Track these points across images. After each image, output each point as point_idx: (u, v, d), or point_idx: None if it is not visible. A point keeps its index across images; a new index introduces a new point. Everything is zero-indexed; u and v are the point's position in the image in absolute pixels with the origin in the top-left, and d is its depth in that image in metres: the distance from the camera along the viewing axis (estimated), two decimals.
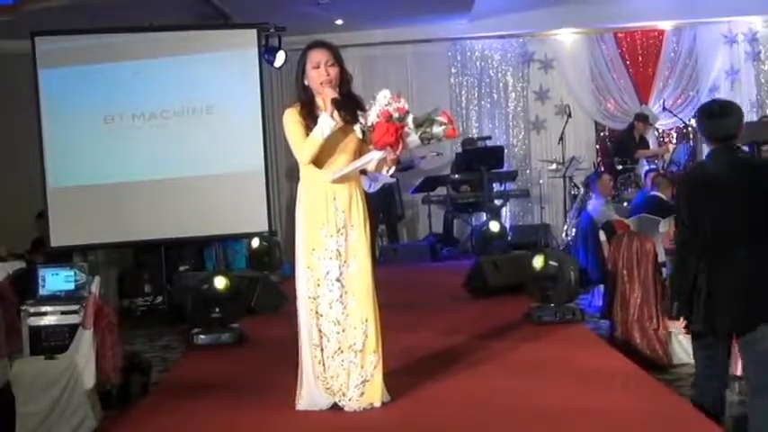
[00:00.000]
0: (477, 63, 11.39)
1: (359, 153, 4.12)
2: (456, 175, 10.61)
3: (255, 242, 8.79)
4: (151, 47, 7.97)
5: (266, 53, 8.81)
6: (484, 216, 10.39)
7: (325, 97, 4.05)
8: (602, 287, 6.38)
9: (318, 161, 4.10)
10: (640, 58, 11.30)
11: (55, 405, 4.18)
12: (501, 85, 11.42)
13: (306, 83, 4.13)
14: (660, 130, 11.63)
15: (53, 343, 4.39)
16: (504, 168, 10.78)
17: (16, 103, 9.35)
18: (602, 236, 6.98)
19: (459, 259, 9.71)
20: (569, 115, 10.71)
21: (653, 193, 7.50)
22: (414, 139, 3.93)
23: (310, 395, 4.13)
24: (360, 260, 4.11)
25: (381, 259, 9.39)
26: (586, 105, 11.36)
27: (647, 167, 10.27)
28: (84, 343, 4.37)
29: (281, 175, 10.91)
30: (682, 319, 3.71)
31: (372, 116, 3.88)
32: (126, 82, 7.85)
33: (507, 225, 10.31)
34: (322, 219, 4.09)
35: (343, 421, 4.01)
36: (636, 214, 7.17)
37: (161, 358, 6.08)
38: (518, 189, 11.01)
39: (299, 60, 4.17)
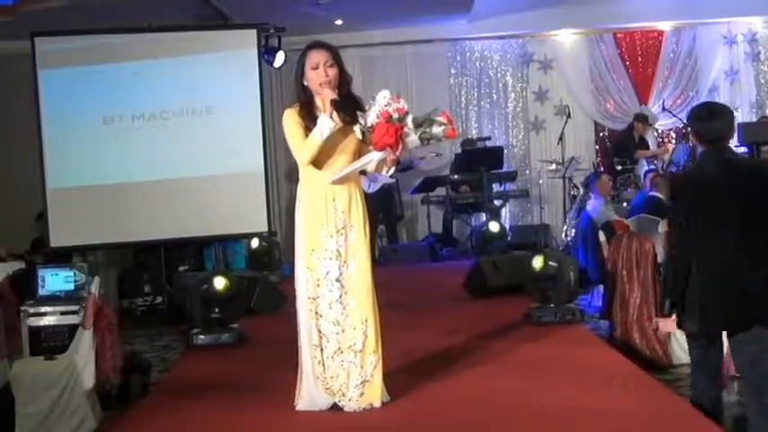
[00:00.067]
0: (477, 63, 11.39)
1: (358, 154, 4.12)
2: (455, 176, 10.61)
3: (255, 242, 8.79)
4: (151, 47, 7.98)
5: (266, 53, 8.81)
6: (483, 216, 10.40)
7: (324, 98, 4.05)
8: (601, 287, 6.38)
9: (318, 162, 4.10)
10: (640, 59, 11.30)
11: (54, 405, 4.18)
12: (500, 85, 11.42)
13: (305, 83, 4.13)
14: (659, 131, 11.64)
15: (53, 343, 4.39)
16: (504, 169, 10.78)
17: (16, 104, 9.36)
18: (602, 236, 6.98)
19: (459, 259, 9.71)
20: (569, 116, 10.71)
21: (652, 193, 7.49)
22: (413, 139, 3.93)
23: (310, 395, 4.13)
24: (359, 260, 4.11)
25: (381, 260, 9.38)
26: (586, 106, 11.36)
27: (646, 168, 10.28)
28: (84, 343, 4.37)
29: (281, 176, 10.92)
30: (674, 316, 3.77)
31: (372, 117, 3.88)
32: (125, 82, 7.85)
33: (507, 225, 10.32)
34: (322, 219, 4.09)
35: (342, 421, 4.01)
36: (635, 214, 7.17)
37: (161, 358, 6.07)
38: (517, 189, 11.02)
39: (298, 61, 4.17)
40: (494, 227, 8.99)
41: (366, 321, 4.07)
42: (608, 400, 4.16)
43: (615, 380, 4.52)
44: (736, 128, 3.96)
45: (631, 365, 4.77)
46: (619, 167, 10.05)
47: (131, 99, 7.88)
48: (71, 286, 4.57)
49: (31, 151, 8.24)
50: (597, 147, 11.64)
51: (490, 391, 4.42)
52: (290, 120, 4.13)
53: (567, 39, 11.33)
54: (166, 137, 7.90)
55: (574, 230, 8.61)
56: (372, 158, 3.99)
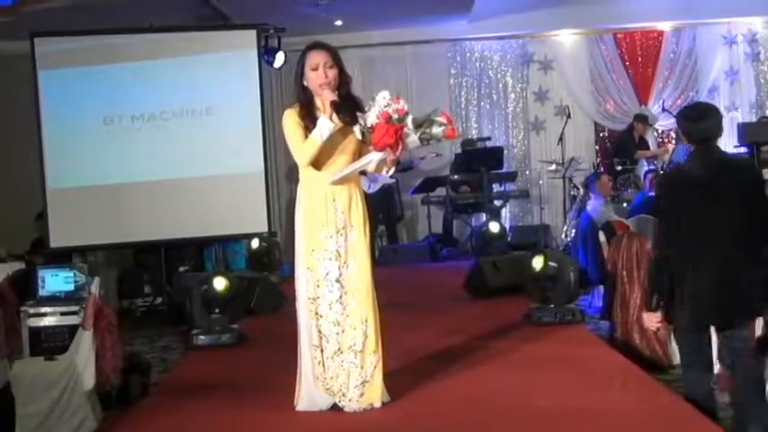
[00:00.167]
0: (477, 64, 11.40)
1: (358, 154, 4.12)
2: (455, 176, 10.61)
3: (255, 243, 8.79)
4: (150, 48, 7.97)
5: (266, 54, 8.81)
6: (483, 217, 10.40)
7: (324, 99, 4.05)
8: (601, 288, 6.38)
9: (318, 162, 4.09)
10: (640, 59, 11.31)
11: (54, 406, 4.17)
12: (500, 85, 11.43)
13: (305, 84, 4.13)
14: (659, 131, 11.65)
15: (53, 344, 4.38)
16: (504, 169, 10.78)
17: (16, 104, 9.36)
18: (602, 237, 6.97)
19: (459, 260, 9.71)
20: (569, 116, 10.71)
21: (652, 193, 7.49)
22: (413, 139, 3.93)
23: (310, 396, 4.13)
24: (359, 261, 4.11)
25: (381, 260, 9.40)
26: (586, 106, 11.37)
27: (646, 168, 10.29)
28: (84, 344, 4.37)
29: (281, 176, 10.92)
30: (658, 312, 3.87)
31: (372, 117, 3.88)
32: (125, 83, 7.85)
33: (507, 226, 10.31)
34: (322, 220, 4.09)
35: (342, 422, 4.01)
36: (635, 215, 7.16)
37: (161, 359, 6.07)
38: (518, 190, 11.02)
39: (297, 61, 4.17)
40: (494, 227, 9.00)
41: (366, 322, 4.07)
42: (608, 400, 4.16)
43: (615, 380, 4.52)
44: (727, 127, 4.03)
45: (632, 366, 4.78)
46: (619, 168, 10.05)
47: (131, 99, 7.87)
48: (71, 287, 4.57)
49: (31, 151, 8.24)
50: (597, 147, 11.65)
51: (490, 392, 4.43)
52: (290, 120, 4.13)
53: (567, 39, 11.34)
54: (166, 137, 7.90)
55: (574, 231, 8.61)
56: (372, 159, 3.99)
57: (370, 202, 4.33)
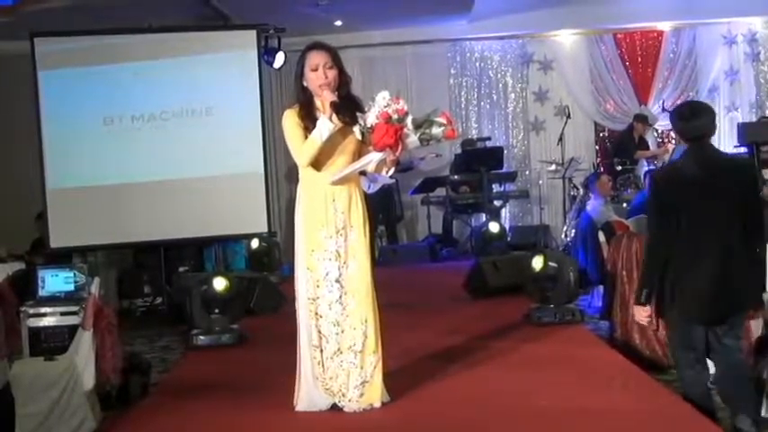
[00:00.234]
0: (477, 64, 11.40)
1: (358, 154, 4.12)
2: (455, 176, 10.61)
3: (255, 243, 8.80)
4: (151, 48, 7.97)
5: (266, 54, 8.81)
6: (483, 217, 10.40)
7: (323, 100, 4.05)
8: (601, 288, 6.38)
9: (318, 163, 4.09)
10: (640, 59, 11.31)
11: (54, 406, 4.17)
12: (500, 85, 11.43)
13: (304, 84, 4.13)
14: (659, 131, 11.65)
15: (53, 344, 4.38)
16: (504, 169, 10.79)
17: (16, 104, 9.36)
18: (602, 237, 6.97)
19: (459, 260, 9.71)
20: (569, 116, 10.71)
21: None
22: (413, 140, 3.93)
23: (309, 396, 4.14)
24: (359, 261, 4.11)
25: (381, 260, 9.40)
26: (586, 106, 11.37)
27: (646, 168, 10.29)
28: (84, 344, 4.37)
29: (281, 176, 10.92)
30: (648, 307, 3.91)
31: (371, 117, 3.88)
32: (125, 83, 7.84)
33: (507, 226, 10.32)
34: (321, 220, 4.09)
35: (342, 422, 4.01)
36: (635, 215, 7.15)
37: (161, 359, 6.07)
38: (517, 190, 11.03)
39: (297, 62, 4.17)
40: (494, 227, 9.00)
41: (366, 322, 4.07)
42: (608, 400, 4.16)
43: (615, 380, 4.53)
44: (727, 127, 4.06)
45: (631, 366, 4.78)
46: (619, 168, 10.05)
47: (131, 100, 7.87)
48: (71, 287, 4.57)
49: (31, 151, 8.24)
50: (597, 147, 11.65)
51: (490, 392, 4.43)
52: (290, 121, 4.13)
53: (566, 39, 11.34)
54: (166, 137, 7.90)
55: (574, 231, 8.61)
56: (372, 159, 3.99)
57: (370, 203, 4.33)
